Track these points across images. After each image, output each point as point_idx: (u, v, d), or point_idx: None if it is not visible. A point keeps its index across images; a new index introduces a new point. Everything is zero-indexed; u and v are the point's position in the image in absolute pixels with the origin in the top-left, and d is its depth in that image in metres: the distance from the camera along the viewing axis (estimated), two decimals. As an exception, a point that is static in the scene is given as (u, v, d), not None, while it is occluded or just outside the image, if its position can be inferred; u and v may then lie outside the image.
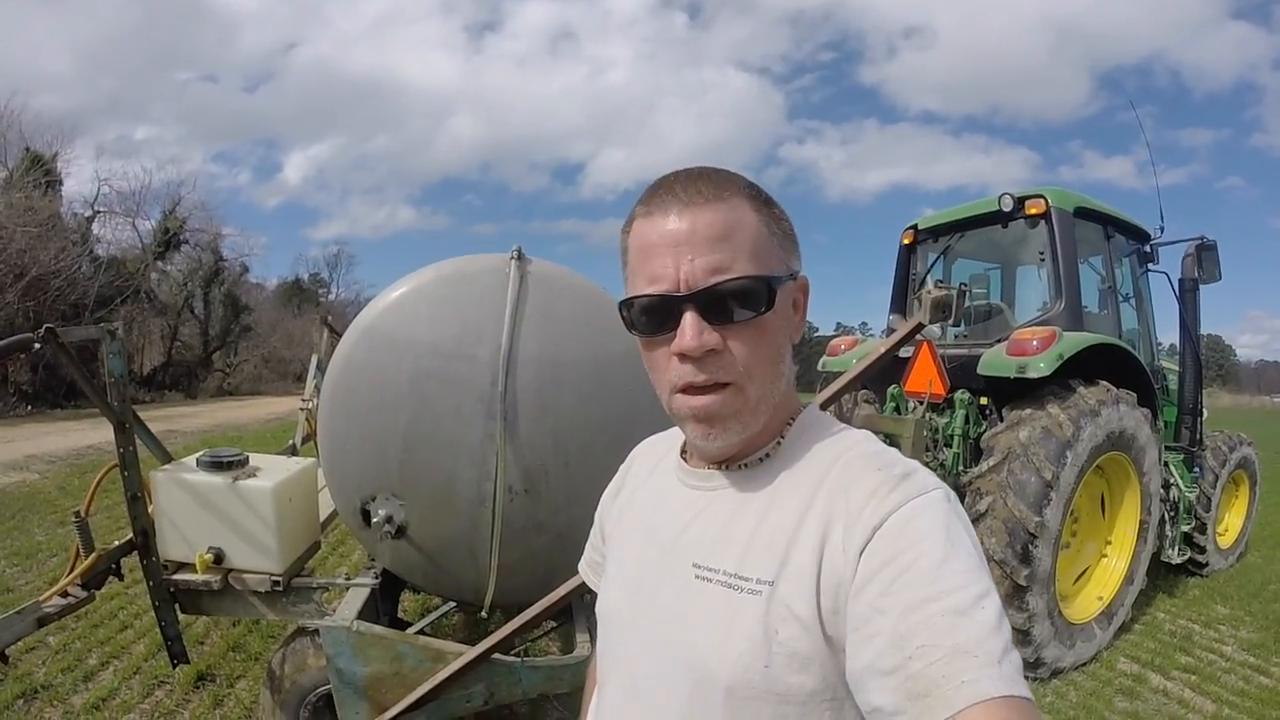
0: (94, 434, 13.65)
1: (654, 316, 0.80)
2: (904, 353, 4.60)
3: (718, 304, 0.78)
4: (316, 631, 2.54)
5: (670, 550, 0.87)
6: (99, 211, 24.53)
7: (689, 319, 0.77)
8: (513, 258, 2.49)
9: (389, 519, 2.49)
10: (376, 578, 2.85)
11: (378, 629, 2.44)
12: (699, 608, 0.81)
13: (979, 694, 0.61)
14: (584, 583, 1.16)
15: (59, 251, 19.40)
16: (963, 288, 2.69)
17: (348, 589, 2.86)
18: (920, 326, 2.65)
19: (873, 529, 0.72)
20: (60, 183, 22.43)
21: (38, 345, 2.28)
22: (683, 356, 0.79)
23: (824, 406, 3.42)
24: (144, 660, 3.90)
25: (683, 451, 0.96)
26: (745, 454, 0.87)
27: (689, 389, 0.80)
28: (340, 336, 6.54)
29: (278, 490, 2.64)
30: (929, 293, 2.61)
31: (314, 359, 5.27)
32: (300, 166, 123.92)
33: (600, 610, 0.99)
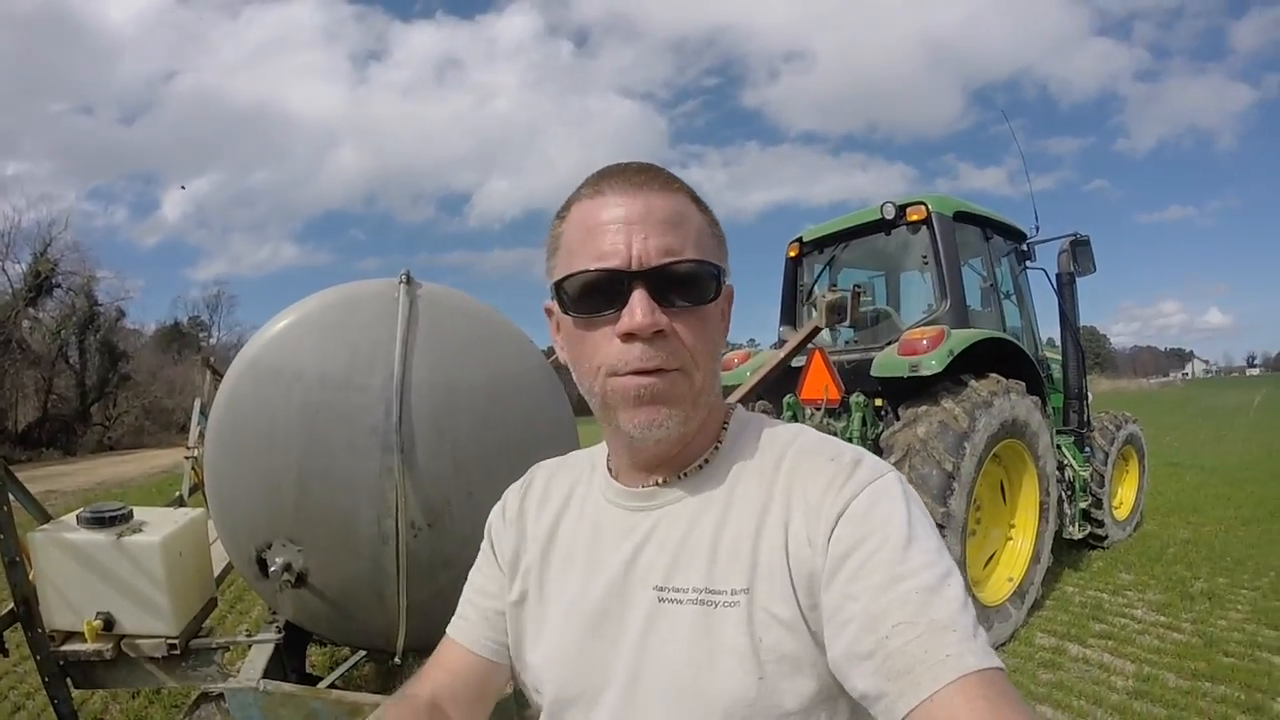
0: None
1: (598, 294, 0.76)
2: (796, 362, 4.73)
3: (668, 285, 0.75)
4: (221, 696, 2.37)
5: (624, 580, 0.82)
6: (-35, 255, 22.86)
7: (639, 296, 0.74)
8: (401, 281, 2.41)
9: (287, 566, 2.34)
10: (279, 632, 2.67)
11: (286, 686, 2.30)
12: (673, 633, 0.77)
13: (964, 667, 0.62)
14: None
15: (-79, 300, 17.96)
16: (856, 289, 2.75)
17: (250, 647, 2.66)
18: (817, 330, 2.71)
19: (836, 518, 0.72)
20: (-77, 224, 20.83)
21: None
22: (629, 337, 0.74)
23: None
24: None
25: (610, 471, 0.90)
26: (685, 461, 0.84)
27: (635, 372, 0.76)
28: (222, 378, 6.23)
29: (166, 544, 2.44)
30: (824, 297, 2.67)
31: (197, 403, 5.02)
32: (179, 203, 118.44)
33: (541, 666, 0.87)
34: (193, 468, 4.58)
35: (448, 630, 1.00)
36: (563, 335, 0.84)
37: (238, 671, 2.52)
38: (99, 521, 2.44)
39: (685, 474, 0.83)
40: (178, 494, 4.58)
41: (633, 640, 0.79)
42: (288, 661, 2.77)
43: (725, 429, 0.86)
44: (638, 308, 0.73)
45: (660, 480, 0.84)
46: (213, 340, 45.59)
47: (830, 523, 0.72)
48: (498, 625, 0.95)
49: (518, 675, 0.94)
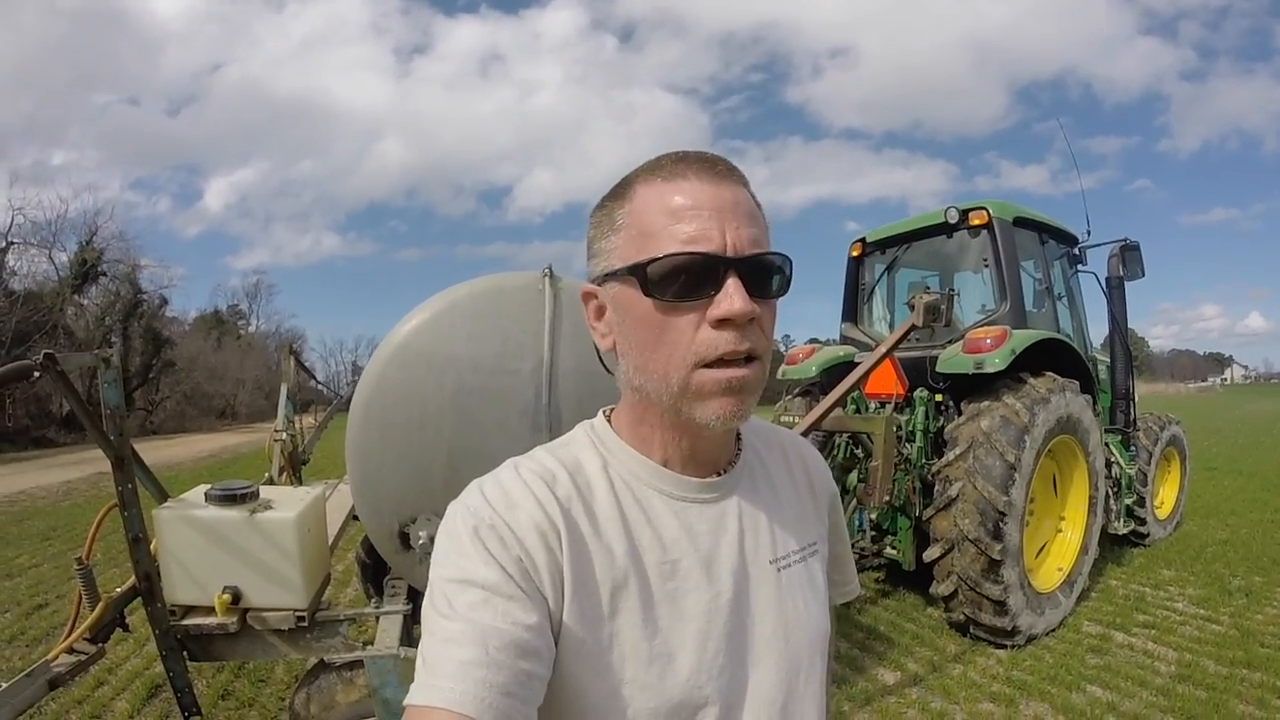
0: (20, 480, 12.96)
1: (689, 278, 0.74)
2: (857, 358, 4.95)
3: (758, 274, 0.76)
4: (342, 666, 2.50)
5: (743, 566, 0.86)
6: (13, 243, 23.36)
7: (735, 284, 0.74)
8: (545, 275, 2.58)
9: (433, 539, 2.50)
10: (407, 603, 2.82)
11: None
12: (800, 591, 0.90)
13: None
14: None
15: (-30, 286, 18.39)
16: (951, 293, 2.90)
17: (378, 618, 2.81)
18: (914, 328, 2.86)
19: (827, 483, 1.02)
20: (-30, 212, 21.33)
21: (37, 374, 2.14)
22: (723, 323, 0.74)
23: (828, 411, 3.64)
24: (129, 718, 3.77)
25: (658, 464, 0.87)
26: (731, 449, 0.91)
27: (723, 360, 0.75)
28: (304, 367, 6.40)
29: (300, 521, 2.54)
30: (921, 298, 2.82)
31: (283, 388, 5.20)
32: (222, 193, 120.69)
33: (695, 673, 0.80)
34: (281, 450, 4.74)
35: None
36: (628, 321, 0.80)
37: (360, 643, 2.65)
38: (230, 499, 2.52)
39: (736, 462, 0.91)
40: (267, 475, 4.73)
41: (772, 614, 0.86)
42: (413, 631, 2.88)
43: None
44: (736, 295, 0.73)
45: (721, 470, 0.88)
46: (251, 328, 45.89)
47: (829, 487, 1.02)
48: (531, 693, 0.72)
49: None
